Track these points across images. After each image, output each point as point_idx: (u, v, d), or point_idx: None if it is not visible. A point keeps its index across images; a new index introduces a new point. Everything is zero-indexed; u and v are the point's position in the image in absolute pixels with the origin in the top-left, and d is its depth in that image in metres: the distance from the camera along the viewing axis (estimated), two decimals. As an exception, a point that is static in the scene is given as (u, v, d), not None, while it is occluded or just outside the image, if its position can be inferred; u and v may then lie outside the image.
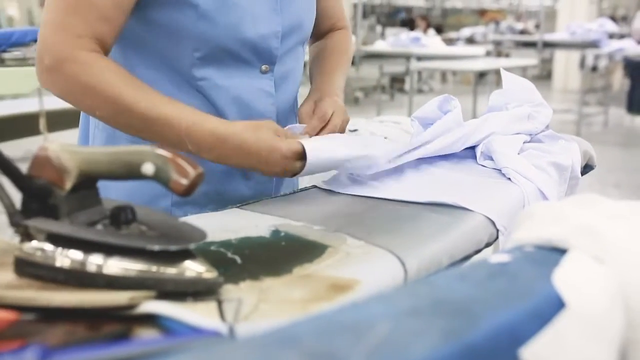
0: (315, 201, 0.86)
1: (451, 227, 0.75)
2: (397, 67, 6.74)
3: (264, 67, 0.98)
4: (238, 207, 0.85)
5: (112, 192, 0.69)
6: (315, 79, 1.10)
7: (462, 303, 0.39)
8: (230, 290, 0.57)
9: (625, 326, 0.46)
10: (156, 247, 0.54)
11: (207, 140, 0.83)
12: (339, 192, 0.90)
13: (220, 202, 0.94)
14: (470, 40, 11.23)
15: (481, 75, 7.64)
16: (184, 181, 0.56)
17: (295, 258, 0.65)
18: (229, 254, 0.66)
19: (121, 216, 0.59)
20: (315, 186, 0.94)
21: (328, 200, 0.86)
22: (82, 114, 1.05)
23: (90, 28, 0.84)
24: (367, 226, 0.75)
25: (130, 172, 0.59)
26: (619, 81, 9.67)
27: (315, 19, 1.08)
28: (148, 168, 0.57)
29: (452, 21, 16.21)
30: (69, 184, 0.58)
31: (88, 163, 0.59)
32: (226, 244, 0.69)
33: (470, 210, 0.81)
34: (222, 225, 0.76)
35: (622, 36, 7.40)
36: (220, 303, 0.55)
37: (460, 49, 8.07)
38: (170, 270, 0.55)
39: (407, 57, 5.81)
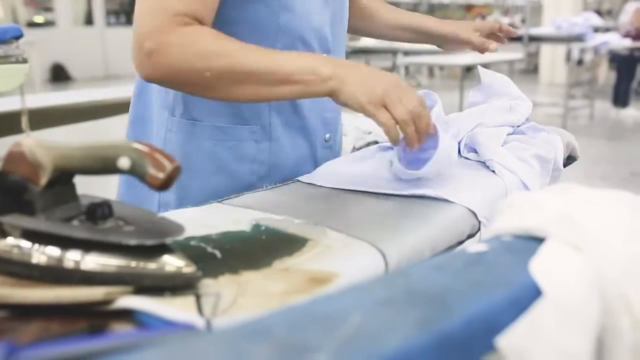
0: (297, 195, 0.86)
1: (433, 219, 0.75)
2: (384, 62, 6.74)
3: (324, 56, 1.01)
4: (219, 202, 0.84)
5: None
6: (427, 26, 1.24)
7: (437, 293, 0.39)
8: (209, 285, 0.57)
9: (601, 313, 0.46)
10: (132, 242, 0.54)
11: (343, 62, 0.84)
12: (320, 186, 0.89)
13: None
14: (457, 35, 11.24)
15: (468, 69, 7.66)
16: (161, 175, 0.56)
17: (275, 252, 0.65)
18: (209, 249, 0.66)
19: (98, 212, 0.58)
20: (297, 180, 0.93)
21: (310, 194, 0.86)
22: (156, 118, 1.03)
23: (188, 6, 0.84)
24: (349, 219, 0.75)
25: (106, 167, 0.58)
26: (604, 74, 9.73)
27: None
28: (124, 162, 0.57)
29: (439, 16, 16.14)
30: (44, 180, 0.58)
31: (63, 158, 0.58)
32: (206, 239, 0.68)
33: (452, 202, 0.80)
34: (203, 220, 0.75)
35: (607, 30, 7.45)
36: (198, 297, 0.54)
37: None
38: (148, 265, 0.54)
39: (394, 52, 5.80)
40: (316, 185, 0.90)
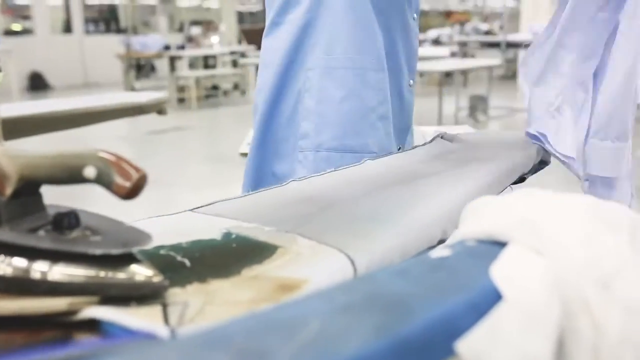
0: (269, 202, 0.86)
1: (404, 225, 0.76)
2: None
3: (415, 16, 1.33)
4: (191, 210, 0.84)
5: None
6: None
7: (398, 297, 0.39)
8: (176, 294, 0.57)
9: (561, 316, 0.47)
10: (98, 252, 0.53)
11: None
12: (294, 192, 0.89)
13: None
14: (437, 42, 11.37)
15: (447, 75, 7.71)
16: (127, 184, 0.56)
17: (244, 259, 0.65)
18: (179, 258, 0.66)
19: (64, 221, 0.58)
20: (269, 187, 0.93)
21: (283, 201, 0.86)
22: (291, 63, 1.25)
23: None
24: (320, 225, 0.75)
25: (72, 177, 0.58)
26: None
27: None
28: (89, 172, 0.56)
29: (419, 23, 16.35)
30: (9, 190, 0.57)
31: (29, 168, 0.58)
32: (176, 248, 0.68)
33: (425, 207, 0.81)
34: (174, 228, 0.75)
35: (583, 35, 7.54)
36: (165, 306, 0.54)
37: (425, 50, 8.14)
38: (114, 275, 0.54)
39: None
40: (290, 190, 0.90)
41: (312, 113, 1.22)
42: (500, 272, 0.45)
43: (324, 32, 1.20)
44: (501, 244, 0.51)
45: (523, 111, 6.62)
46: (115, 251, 0.54)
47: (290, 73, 1.25)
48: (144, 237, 0.59)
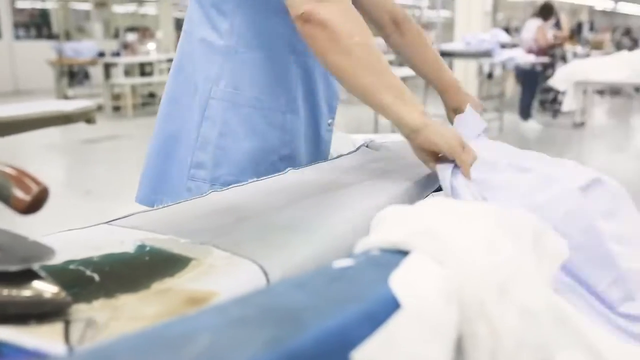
0: (187, 213, 0.85)
1: (320, 234, 0.76)
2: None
3: None
4: (106, 223, 0.82)
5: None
6: (434, 79, 1.35)
7: (292, 310, 0.40)
8: (82, 310, 0.55)
9: (461, 322, 0.48)
10: (-6, 269, 0.51)
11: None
12: (214, 202, 0.89)
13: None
14: (375, 51, 11.50)
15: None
16: (27, 198, 0.54)
17: (156, 272, 0.64)
18: (88, 272, 0.64)
19: (-39, 238, 0.56)
20: (189, 198, 0.92)
21: (201, 212, 0.85)
22: (198, 89, 1.18)
23: None
24: (237, 237, 0.74)
25: (-31, 191, 0.55)
26: (512, 88, 10.19)
27: (374, 13, 1.35)
28: (-13, 185, 0.54)
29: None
30: None
31: None
32: (86, 262, 0.66)
33: (342, 216, 0.82)
34: (86, 242, 0.73)
35: (514, 46, 7.82)
36: (67, 324, 0.52)
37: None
38: (11, 292, 0.52)
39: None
40: (208, 201, 0.89)
41: (211, 145, 1.17)
42: (400, 281, 0.46)
43: (235, 67, 1.15)
44: (404, 253, 0.51)
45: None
46: (13, 267, 0.52)
47: (195, 94, 1.20)
48: (47, 251, 0.57)
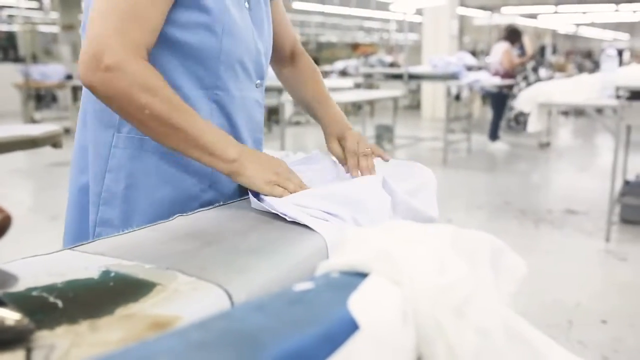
0: (153, 239, 0.85)
1: (285, 257, 0.77)
2: (270, 100, 6.84)
3: (258, 82, 1.16)
4: (70, 248, 0.82)
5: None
6: (320, 112, 1.30)
7: (252, 333, 0.40)
8: (44, 337, 0.55)
9: (418, 342, 0.50)
10: (-46, 297, 0.51)
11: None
12: (180, 227, 0.89)
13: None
14: (344, 73, 11.65)
15: (359, 107, 7.91)
16: (-12, 226, 0.54)
17: (120, 298, 0.64)
18: (51, 299, 0.64)
19: None
20: (155, 223, 0.93)
21: (167, 237, 0.85)
22: (98, 138, 1.08)
23: (145, 38, 0.94)
24: (202, 261, 0.75)
25: None
26: (478, 110, 10.38)
27: (277, 43, 1.27)
28: (-52, 214, 0.54)
29: (327, 54, 16.75)
30: None
31: None
32: (50, 288, 0.66)
33: (308, 238, 0.83)
34: (50, 268, 0.73)
35: (480, 68, 7.98)
36: (29, 351, 0.52)
37: (331, 81, 8.32)
38: (-28, 321, 0.52)
39: (279, 90, 5.89)
40: (174, 227, 0.89)
41: (117, 199, 1.05)
42: (358, 303, 0.47)
43: None
44: (363, 275, 0.53)
45: (426, 140, 6.88)
46: (-27, 296, 0.52)
47: (97, 143, 1.08)
48: (9, 278, 0.57)
